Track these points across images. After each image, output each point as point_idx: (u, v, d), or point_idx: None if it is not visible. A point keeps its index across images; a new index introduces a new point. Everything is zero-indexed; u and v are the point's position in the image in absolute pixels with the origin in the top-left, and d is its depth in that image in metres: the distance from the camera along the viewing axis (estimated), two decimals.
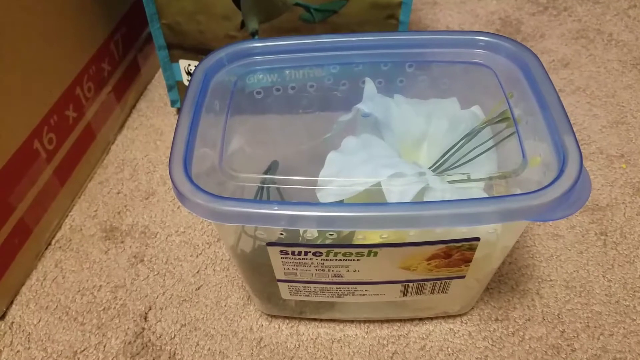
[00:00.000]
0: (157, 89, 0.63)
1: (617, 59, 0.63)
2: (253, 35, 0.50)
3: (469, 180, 0.32)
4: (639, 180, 0.50)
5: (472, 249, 0.32)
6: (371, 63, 0.37)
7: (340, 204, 0.31)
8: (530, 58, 0.34)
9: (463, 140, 0.35)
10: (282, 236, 0.32)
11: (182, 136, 0.31)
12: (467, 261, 0.33)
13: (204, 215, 0.28)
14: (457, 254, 0.32)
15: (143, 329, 0.42)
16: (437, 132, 0.36)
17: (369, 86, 0.37)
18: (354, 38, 0.37)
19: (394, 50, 0.37)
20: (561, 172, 0.28)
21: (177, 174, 0.29)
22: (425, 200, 0.30)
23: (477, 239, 0.31)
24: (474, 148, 0.35)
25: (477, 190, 0.33)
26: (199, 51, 0.53)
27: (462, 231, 0.31)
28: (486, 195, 0.32)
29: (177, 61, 0.54)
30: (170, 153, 0.30)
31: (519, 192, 0.28)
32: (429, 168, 0.34)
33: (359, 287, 0.36)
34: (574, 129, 0.31)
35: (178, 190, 0.28)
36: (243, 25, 0.49)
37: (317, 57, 0.37)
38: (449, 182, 0.32)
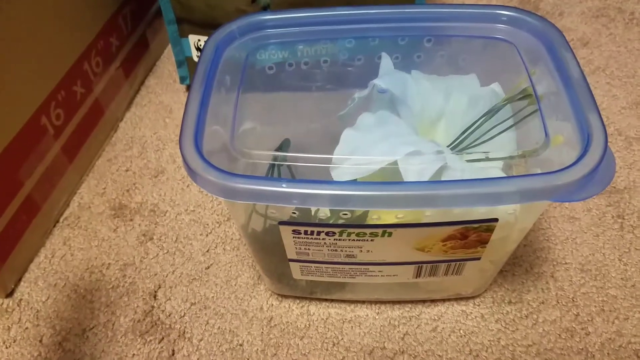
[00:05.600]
0: (166, 65, 0.62)
1: (638, 38, 0.61)
2: (265, 9, 0.48)
3: (488, 159, 0.31)
4: None
5: (490, 230, 0.31)
6: (388, 37, 0.36)
7: (354, 182, 0.30)
8: (555, 34, 0.33)
9: (483, 118, 0.34)
10: (294, 215, 0.31)
11: (192, 112, 0.30)
12: (484, 243, 0.32)
13: (215, 192, 0.28)
14: (473, 235, 0.32)
15: (152, 307, 0.42)
16: (456, 109, 0.35)
17: (386, 61, 0.36)
18: (370, 10, 0.36)
19: (412, 24, 0.36)
20: (585, 150, 0.27)
21: (188, 151, 0.28)
22: (443, 179, 0.29)
23: (496, 219, 0.30)
24: (494, 126, 0.34)
25: (495, 170, 0.32)
26: (209, 26, 0.51)
27: (480, 212, 0.30)
28: (505, 175, 0.31)
29: (187, 36, 0.53)
30: (180, 129, 0.29)
31: (539, 172, 0.27)
32: (447, 146, 0.33)
33: (371, 267, 0.35)
34: None
35: (189, 166, 0.28)
36: None
37: (332, 31, 0.36)
38: (467, 161, 0.31)
